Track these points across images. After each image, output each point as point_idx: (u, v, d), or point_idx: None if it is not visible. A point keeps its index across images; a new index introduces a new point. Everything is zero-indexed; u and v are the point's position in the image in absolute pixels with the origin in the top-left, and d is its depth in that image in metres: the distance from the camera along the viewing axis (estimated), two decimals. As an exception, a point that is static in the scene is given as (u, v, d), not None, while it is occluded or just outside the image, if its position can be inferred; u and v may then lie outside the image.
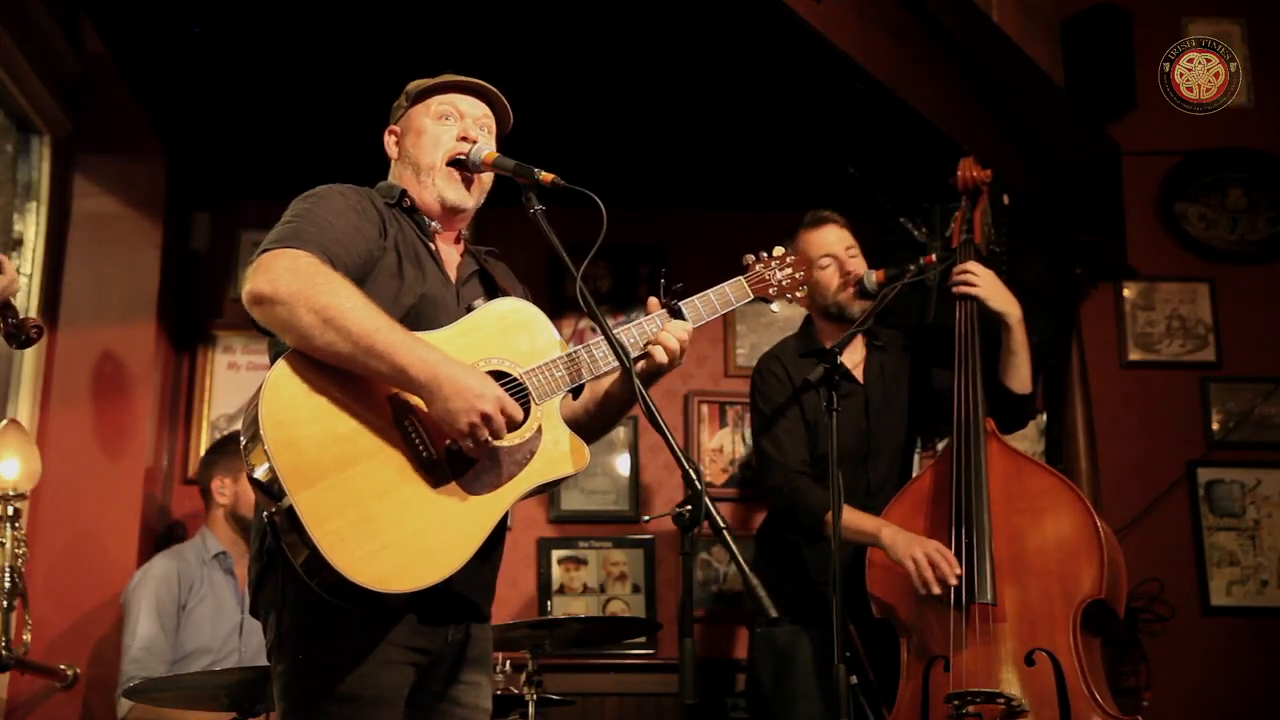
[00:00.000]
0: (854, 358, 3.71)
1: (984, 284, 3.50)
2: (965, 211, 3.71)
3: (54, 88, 4.27)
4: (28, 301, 4.25)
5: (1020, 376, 3.53)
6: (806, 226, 3.72)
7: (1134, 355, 5.07)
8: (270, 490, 2.06)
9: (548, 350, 2.36)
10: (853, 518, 3.34)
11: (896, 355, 3.77)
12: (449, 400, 2.12)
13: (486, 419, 2.14)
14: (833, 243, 3.68)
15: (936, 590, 3.18)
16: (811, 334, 3.74)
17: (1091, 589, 3.15)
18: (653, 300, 2.47)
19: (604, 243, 2.27)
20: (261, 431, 2.04)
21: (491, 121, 2.55)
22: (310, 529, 2.00)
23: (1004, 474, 3.33)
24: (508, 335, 2.34)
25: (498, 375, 2.27)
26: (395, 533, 2.08)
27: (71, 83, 4.42)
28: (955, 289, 3.52)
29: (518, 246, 3.43)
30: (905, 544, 3.25)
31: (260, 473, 2.07)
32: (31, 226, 4.32)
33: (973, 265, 3.53)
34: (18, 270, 4.21)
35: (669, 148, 4.71)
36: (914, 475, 3.67)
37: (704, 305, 2.49)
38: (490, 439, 2.16)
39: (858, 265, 3.68)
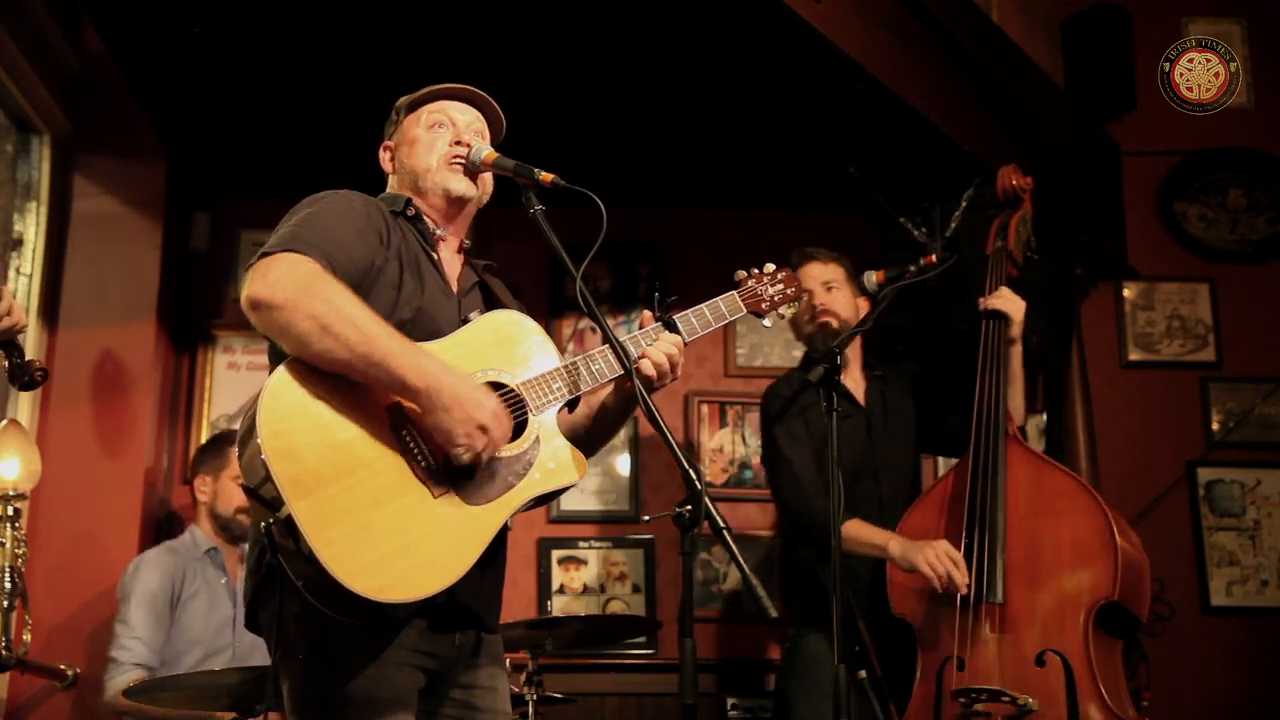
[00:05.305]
0: (856, 384, 3.80)
1: (1018, 308, 3.56)
2: (1003, 218, 3.73)
3: (54, 88, 4.26)
4: (28, 302, 4.25)
5: (1017, 404, 3.58)
6: (794, 265, 3.77)
7: (1134, 355, 5.07)
8: (267, 499, 2.04)
9: (544, 362, 2.35)
10: (863, 532, 3.42)
11: (897, 387, 3.84)
12: (446, 411, 2.11)
13: (482, 431, 2.13)
14: (810, 279, 3.72)
15: (960, 582, 3.21)
16: (809, 362, 3.76)
17: (1104, 591, 3.16)
18: (646, 314, 2.46)
19: (604, 243, 2.26)
20: (259, 440, 2.03)
21: (483, 127, 2.54)
22: (309, 538, 1.98)
23: (1025, 477, 3.36)
24: (505, 347, 2.33)
25: (494, 386, 2.26)
26: (394, 542, 2.06)
27: (71, 83, 4.42)
28: (990, 304, 3.56)
29: (518, 247, 3.43)
30: (915, 551, 3.30)
31: (257, 481, 2.06)
32: (31, 226, 4.32)
33: (1008, 292, 3.58)
34: (17, 270, 4.24)
35: (669, 148, 4.71)
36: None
37: (698, 319, 2.49)
38: (484, 453, 2.15)
39: (830, 300, 3.73)
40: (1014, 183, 3.74)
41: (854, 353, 3.82)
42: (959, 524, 3.33)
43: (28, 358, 2.63)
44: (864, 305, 3.80)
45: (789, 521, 3.75)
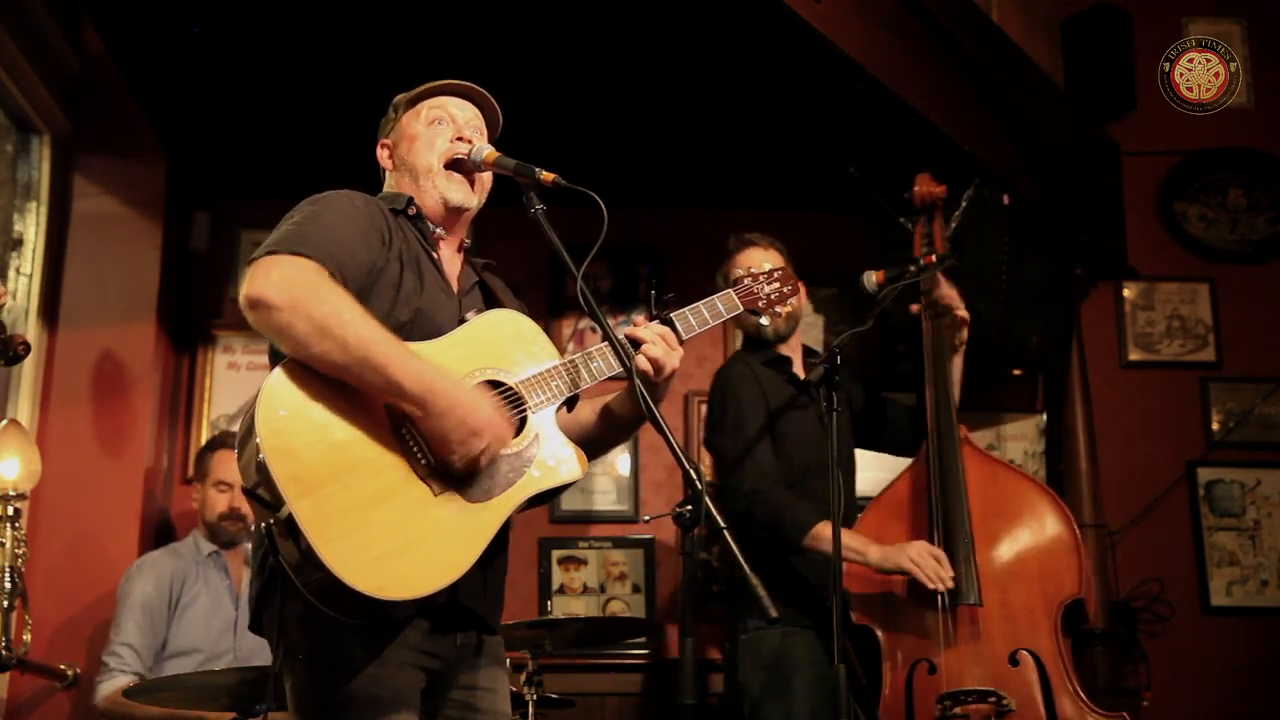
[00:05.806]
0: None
1: (960, 307, 3.64)
2: (923, 225, 3.82)
3: (54, 88, 4.27)
4: (28, 301, 4.26)
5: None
6: (731, 250, 3.73)
7: (1134, 355, 5.07)
8: (267, 499, 2.03)
9: (543, 360, 2.34)
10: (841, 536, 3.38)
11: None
12: (442, 416, 2.10)
13: (477, 435, 2.12)
14: (750, 264, 3.63)
15: (948, 585, 3.20)
16: (761, 345, 3.73)
17: (1072, 589, 3.24)
18: (639, 319, 2.45)
19: (604, 242, 2.26)
20: (258, 440, 2.02)
21: (481, 123, 2.53)
22: (310, 536, 1.98)
23: (978, 478, 3.42)
24: (502, 345, 2.33)
25: (493, 385, 2.26)
26: (395, 540, 2.06)
27: (71, 83, 4.42)
28: (948, 311, 3.61)
29: (518, 246, 3.44)
30: (897, 553, 3.30)
31: (257, 482, 2.05)
32: (31, 226, 4.32)
33: (952, 291, 3.64)
34: (17, 270, 4.24)
35: (669, 148, 4.71)
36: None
37: (695, 317, 2.47)
38: (481, 457, 2.14)
39: None
40: (932, 191, 3.83)
41: (796, 344, 3.77)
42: (920, 528, 3.37)
43: (9, 333, 2.64)
44: (802, 290, 3.82)
45: (751, 510, 3.50)
